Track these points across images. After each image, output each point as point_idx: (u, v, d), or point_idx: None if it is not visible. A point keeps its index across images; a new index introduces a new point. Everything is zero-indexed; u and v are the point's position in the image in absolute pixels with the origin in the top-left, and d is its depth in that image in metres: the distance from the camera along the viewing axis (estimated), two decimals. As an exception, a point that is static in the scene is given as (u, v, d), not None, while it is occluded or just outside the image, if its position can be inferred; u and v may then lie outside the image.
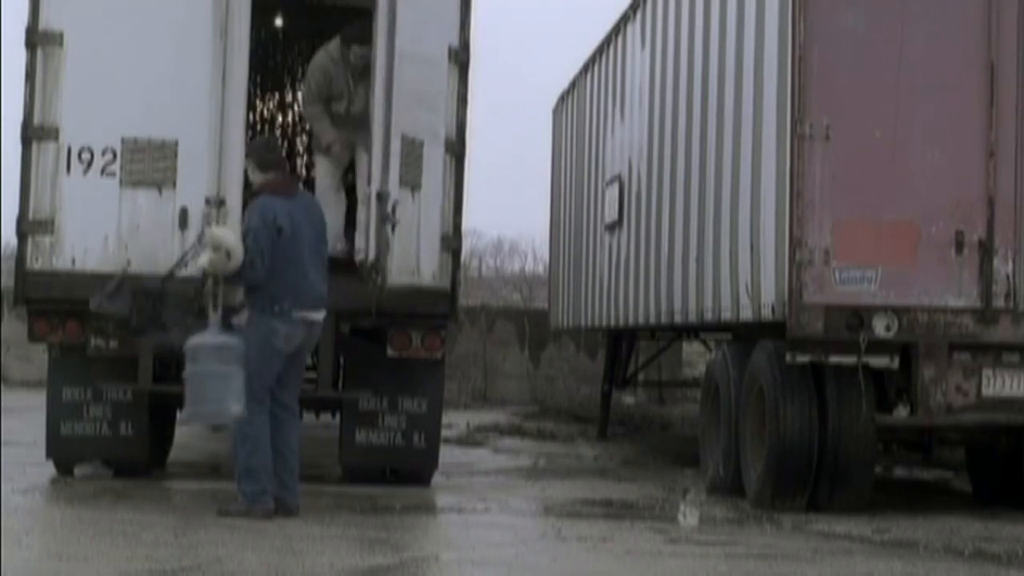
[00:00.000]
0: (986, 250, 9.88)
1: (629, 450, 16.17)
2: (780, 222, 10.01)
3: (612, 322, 15.77)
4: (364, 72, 10.70)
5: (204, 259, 8.97)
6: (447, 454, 12.23)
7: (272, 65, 14.50)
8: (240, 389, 8.81)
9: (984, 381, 9.92)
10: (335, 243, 10.61)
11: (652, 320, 13.86)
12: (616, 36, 15.74)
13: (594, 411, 18.91)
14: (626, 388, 18.52)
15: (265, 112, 14.72)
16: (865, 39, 9.84)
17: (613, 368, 17.79)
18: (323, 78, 11.13)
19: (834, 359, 9.90)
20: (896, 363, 9.92)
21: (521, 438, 17.42)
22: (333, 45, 11.04)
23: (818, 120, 9.77)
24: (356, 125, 10.94)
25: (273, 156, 9.63)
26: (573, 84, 18.13)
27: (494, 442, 16.75)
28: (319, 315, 9.39)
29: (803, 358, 9.95)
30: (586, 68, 17.39)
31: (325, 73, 11.11)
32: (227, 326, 9.00)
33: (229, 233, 9.20)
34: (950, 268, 9.88)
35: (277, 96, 14.72)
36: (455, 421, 17.70)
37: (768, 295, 10.25)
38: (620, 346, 17.63)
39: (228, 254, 8.93)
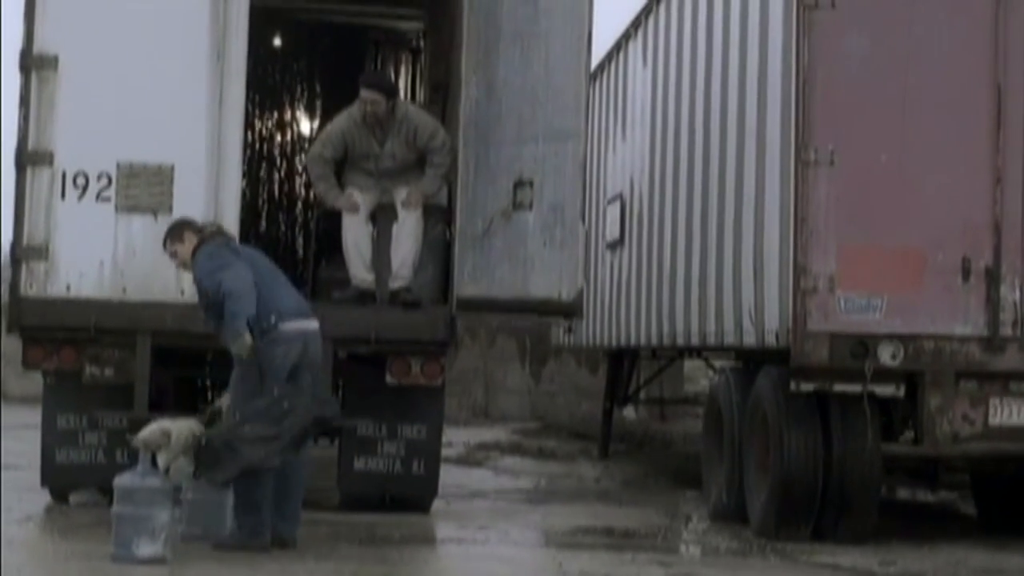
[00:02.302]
0: (993, 277, 9.74)
1: (630, 470, 16.04)
2: (784, 248, 9.88)
3: (614, 341, 15.65)
4: (386, 129, 10.63)
5: (163, 460, 8.71)
6: (447, 474, 12.09)
7: (271, 84, 14.37)
8: (156, 529, 8.53)
9: (991, 410, 9.78)
10: (365, 275, 10.62)
11: (654, 341, 13.73)
12: (617, 53, 15.62)
13: (595, 428, 18.77)
14: (627, 406, 18.37)
15: (264, 131, 14.58)
16: (870, 62, 9.70)
17: (614, 386, 17.66)
18: (341, 141, 10.84)
19: (839, 388, 9.76)
20: (902, 392, 9.79)
21: (522, 457, 17.29)
22: (356, 108, 10.81)
23: (823, 145, 9.64)
24: (387, 177, 10.83)
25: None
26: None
27: (495, 462, 16.62)
28: (311, 324, 9.12)
29: (807, 386, 9.81)
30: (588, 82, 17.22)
31: (348, 137, 10.83)
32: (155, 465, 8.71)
33: (147, 432, 8.87)
34: (956, 295, 9.73)
35: (276, 115, 14.58)
36: (456, 439, 17.56)
37: (772, 321, 10.11)
38: (621, 364, 17.49)
39: (167, 437, 8.75)
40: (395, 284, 10.57)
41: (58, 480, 10.89)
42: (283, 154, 14.65)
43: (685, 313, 12.36)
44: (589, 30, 9.52)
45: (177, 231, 9.15)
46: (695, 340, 12.21)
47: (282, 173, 14.60)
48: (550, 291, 9.67)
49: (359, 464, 10.83)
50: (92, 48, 10.05)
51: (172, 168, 10.06)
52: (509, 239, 9.91)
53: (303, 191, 14.26)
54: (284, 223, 14.52)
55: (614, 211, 15.32)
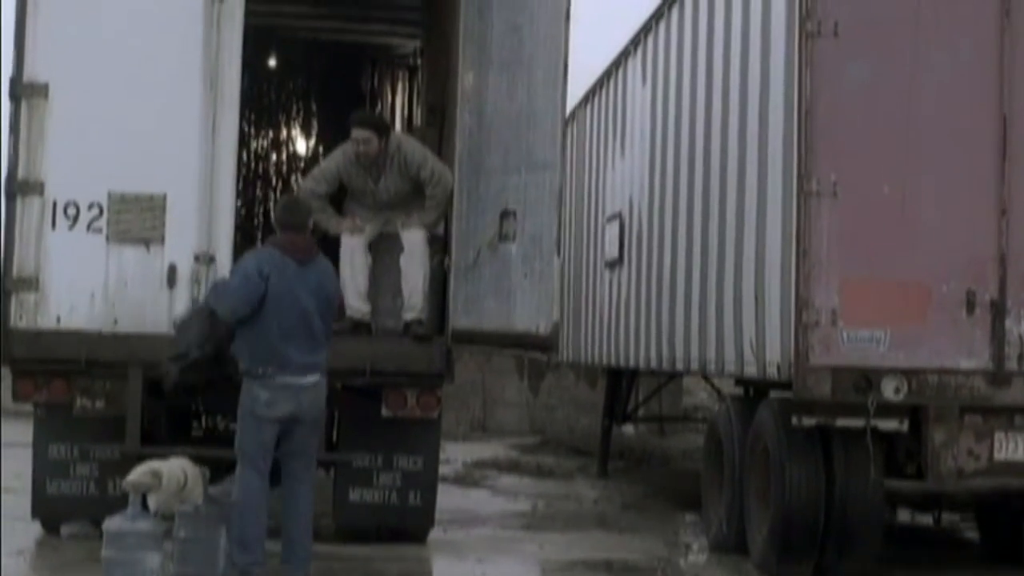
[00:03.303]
0: (998, 310, 9.56)
1: (629, 490, 15.89)
2: (785, 280, 9.72)
3: (613, 360, 15.50)
4: (380, 165, 10.52)
5: (154, 502, 8.59)
6: (445, 496, 11.93)
7: (267, 103, 14.24)
8: (146, 573, 8.41)
9: (996, 444, 9.61)
10: (361, 305, 10.49)
11: (654, 364, 13.58)
12: (616, 70, 15.47)
13: (593, 443, 18.63)
14: (627, 423, 18.23)
15: (259, 150, 14.46)
16: (873, 91, 9.52)
17: (613, 403, 17.51)
18: (335, 178, 10.74)
19: (841, 422, 9.60)
20: (905, 426, 9.62)
21: (520, 475, 17.15)
22: (349, 146, 10.66)
23: (825, 176, 9.46)
24: (384, 209, 10.72)
25: (288, 217, 9.12)
26: (573, 114, 17.84)
27: (492, 481, 16.48)
28: (307, 379, 8.98)
29: (809, 421, 9.65)
30: (586, 99, 17.11)
31: (343, 174, 10.73)
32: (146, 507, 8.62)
33: (137, 474, 8.76)
34: (961, 329, 9.56)
35: (271, 134, 14.45)
36: (453, 455, 17.43)
37: (773, 353, 9.96)
38: (620, 381, 17.34)
39: (158, 478, 8.62)
40: (408, 316, 10.44)
41: (49, 512, 10.75)
42: (279, 173, 14.52)
43: (685, 338, 12.21)
44: (566, 59, 9.33)
45: (283, 218, 9.18)
46: (695, 366, 12.06)
47: (278, 192, 14.47)
48: (529, 324, 9.47)
49: (354, 495, 10.70)
50: (83, 76, 9.89)
51: (164, 198, 9.91)
52: (496, 270, 9.75)
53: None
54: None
55: (613, 229, 15.16)
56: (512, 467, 17.62)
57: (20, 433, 14.29)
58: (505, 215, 9.59)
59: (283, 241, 9.04)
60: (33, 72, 9.89)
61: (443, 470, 12.63)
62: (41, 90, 9.88)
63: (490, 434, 21.85)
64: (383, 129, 10.76)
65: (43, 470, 10.63)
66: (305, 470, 9.14)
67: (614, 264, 15.19)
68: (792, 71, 9.69)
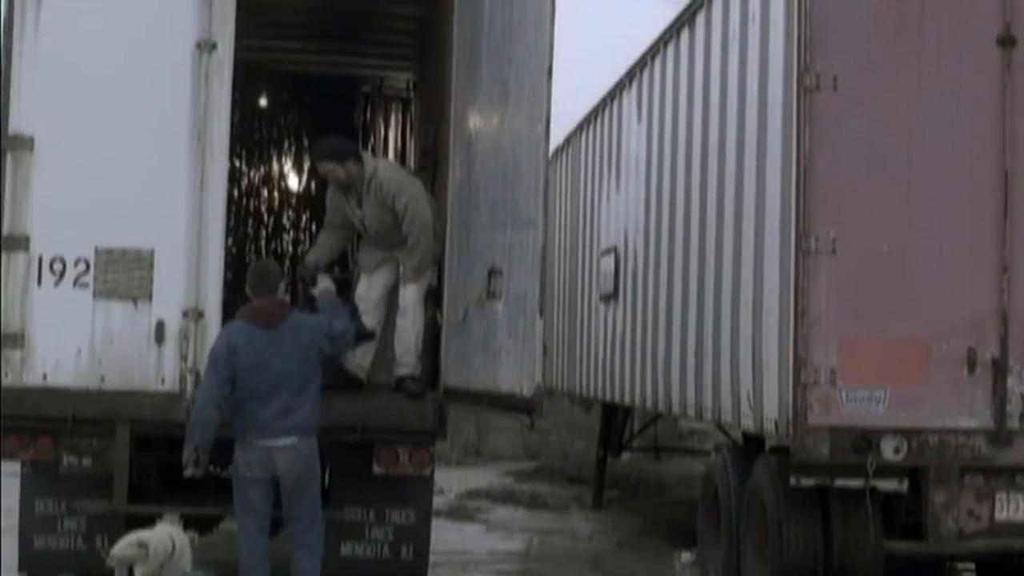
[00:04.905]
0: (999, 368, 9.41)
1: (624, 523, 15.77)
2: (784, 337, 9.55)
3: (607, 396, 15.35)
4: (359, 192, 10.38)
5: (141, 574, 8.52)
6: (438, 531, 11.76)
7: (258, 138, 14.07)
8: None
9: (997, 505, 9.48)
10: (362, 361, 10.41)
11: (649, 405, 13.43)
12: (612, 101, 15.30)
13: (588, 469, 18.52)
14: (622, 454, 18.09)
15: (251, 186, 14.29)
16: (873, 147, 9.36)
17: (608, 434, 17.36)
18: (333, 208, 10.73)
19: (840, 483, 9.45)
20: (905, 486, 9.48)
21: (514, 506, 17.05)
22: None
23: (824, 233, 9.30)
24: (377, 245, 10.59)
25: (256, 281, 9.30)
26: (568, 141, 17.71)
27: (486, 514, 16.36)
28: (280, 441, 9.03)
29: (808, 482, 9.50)
30: (581, 128, 16.96)
31: (332, 203, 10.72)
32: None
33: (122, 546, 8.80)
34: (962, 387, 9.40)
35: (263, 169, 14.28)
36: (447, 483, 17.30)
37: (771, 408, 9.80)
38: (615, 412, 17.19)
39: (144, 549, 8.53)
40: (400, 371, 10.29)
41: (37, 566, 10.57)
42: (270, 209, 14.35)
43: (681, 384, 12.06)
44: (548, 115, 9.16)
45: (253, 282, 9.30)
46: (691, 412, 11.90)
47: (270, 229, 14.30)
48: (513, 385, 9.29)
49: (346, 550, 10.52)
50: (69, 129, 9.66)
51: (152, 253, 9.71)
52: (483, 329, 9.56)
53: (291, 247, 13.96)
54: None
55: (608, 263, 15.01)
56: (506, 497, 17.50)
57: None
58: (493, 272, 9.42)
59: (248, 311, 9.24)
60: (19, 125, 9.67)
61: (436, 501, 12.49)
62: (27, 143, 9.67)
63: (484, 459, 21.71)
64: (343, 155, 10.52)
65: (31, 525, 10.46)
66: (304, 534, 9.19)
67: (609, 298, 15.04)
68: (790, 125, 9.52)
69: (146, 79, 9.71)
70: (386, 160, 11.16)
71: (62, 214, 9.70)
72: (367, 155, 11.14)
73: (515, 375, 9.19)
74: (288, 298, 9.64)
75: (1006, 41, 9.43)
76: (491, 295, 9.39)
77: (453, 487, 17.71)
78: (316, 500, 9.32)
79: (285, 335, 9.10)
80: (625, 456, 19.95)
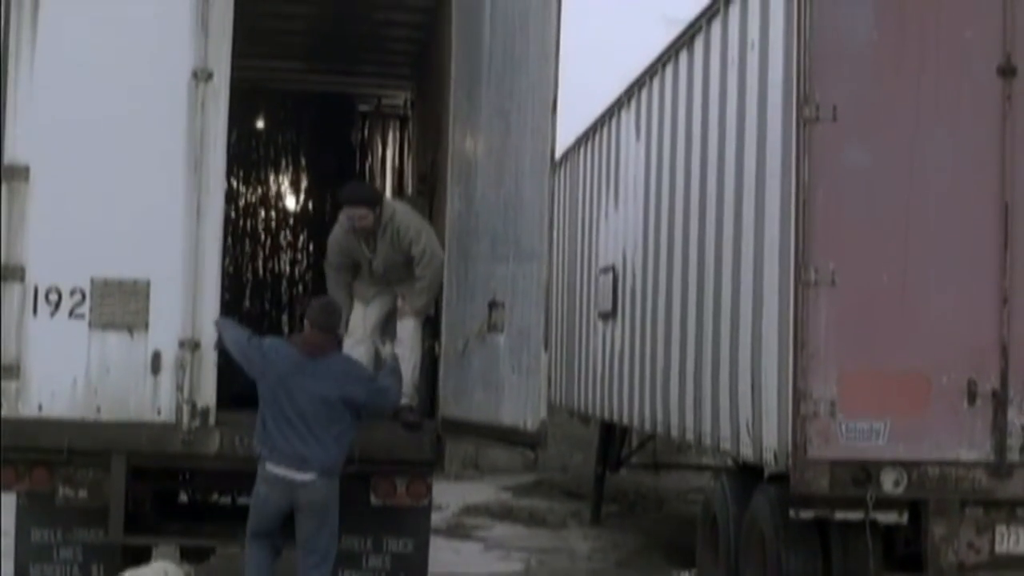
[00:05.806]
0: (1000, 400, 9.35)
1: (623, 542, 15.72)
2: (783, 369, 9.50)
3: (605, 414, 15.31)
4: (375, 235, 10.33)
5: None
6: (435, 551, 11.71)
7: (255, 158, 14.01)
8: None
9: (998, 537, 9.43)
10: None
11: (648, 427, 13.38)
12: (610, 119, 15.26)
13: (586, 482, 18.47)
14: (620, 470, 18.03)
15: (248, 205, 14.24)
16: (873, 178, 9.29)
17: (607, 450, 17.30)
18: (340, 249, 10.61)
19: (840, 515, 9.40)
20: (905, 519, 9.43)
21: (512, 523, 16.99)
22: (344, 218, 10.46)
23: (823, 265, 9.25)
24: (379, 283, 10.53)
25: (320, 318, 9.42)
26: (566, 156, 17.65)
27: (484, 531, 16.31)
28: (304, 476, 9.05)
29: (807, 514, 9.45)
30: (579, 143, 16.91)
31: (339, 245, 10.59)
32: None
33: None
34: (962, 420, 9.35)
35: (260, 189, 14.23)
36: (445, 498, 17.24)
37: (770, 439, 9.75)
38: (613, 429, 17.14)
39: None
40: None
41: (32, 597, 10.53)
42: (268, 229, 14.29)
43: (680, 408, 12.02)
44: (552, 148, 9.09)
45: (312, 316, 9.46)
46: (690, 436, 11.85)
47: (266, 249, 14.25)
48: (516, 419, 9.22)
49: (343, 579, 10.48)
50: (65, 159, 9.59)
51: (148, 283, 9.66)
52: (484, 362, 9.47)
53: (288, 268, 13.90)
54: (268, 300, 14.17)
55: (606, 281, 14.97)
56: (505, 514, 17.45)
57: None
58: (494, 305, 9.35)
59: (297, 337, 9.55)
60: (14, 155, 9.61)
61: (434, 518, 12.44)
62: (22, 173, 9.62)
63: (483, 472, 21.67)
64: (374, 202, 10.50)
65: (26, 554, 10.41)
66: (313, 568, 9.19)
67: (607, 316, 14.99)
68: (789, 155, 9.47)
69: (142, 108, 9.64)
70: (401, 203, 11.07)
71: (58, 244, 9.63)
72: (385, 198, 11.11)
73: (519, 409, 9.13)
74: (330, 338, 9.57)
75: (1006, 71, 9.37)
76: (492, 327, 9.32)
77: (451, 503, 17.66)
78: (332, 539, 9.28)
79: (321, 368, 9.18)
80: (623, 471, 19.95)
